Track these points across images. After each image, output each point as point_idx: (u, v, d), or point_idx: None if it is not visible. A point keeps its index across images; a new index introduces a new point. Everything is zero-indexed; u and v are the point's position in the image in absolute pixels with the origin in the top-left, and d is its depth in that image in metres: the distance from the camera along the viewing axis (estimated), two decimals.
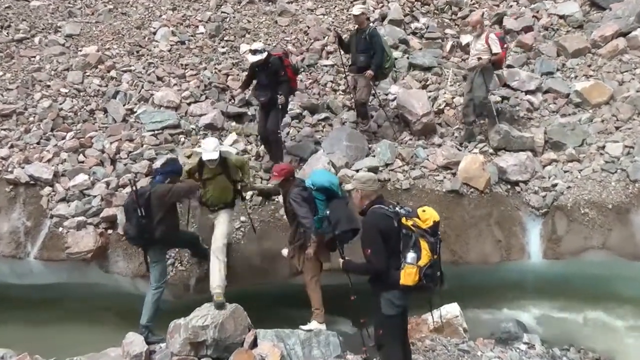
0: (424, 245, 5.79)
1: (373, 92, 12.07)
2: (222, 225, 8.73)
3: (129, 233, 8.42)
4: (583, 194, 10.43)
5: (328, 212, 7.64)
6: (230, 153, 9.16)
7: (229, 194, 8.88)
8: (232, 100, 12.24)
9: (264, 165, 10.80)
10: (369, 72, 11.16)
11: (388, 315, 6.04)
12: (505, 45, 11.60)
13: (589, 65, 13.39)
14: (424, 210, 5.97)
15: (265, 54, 10.35)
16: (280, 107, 10.53)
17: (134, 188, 8.23)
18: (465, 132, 11.70)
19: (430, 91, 12.94)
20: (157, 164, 10.25)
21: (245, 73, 11.60)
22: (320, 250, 7.92)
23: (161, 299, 8.35)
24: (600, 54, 13.57)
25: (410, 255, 5.75)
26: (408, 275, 5.73)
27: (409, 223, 5.84)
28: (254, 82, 10.80)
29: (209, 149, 8.51)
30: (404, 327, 6.41)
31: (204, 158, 8.48)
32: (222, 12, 15.43)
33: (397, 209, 5.97)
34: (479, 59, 11.23)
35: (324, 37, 14.45)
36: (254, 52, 10.39)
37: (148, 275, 8.69)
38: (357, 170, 10.54)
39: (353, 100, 12.03)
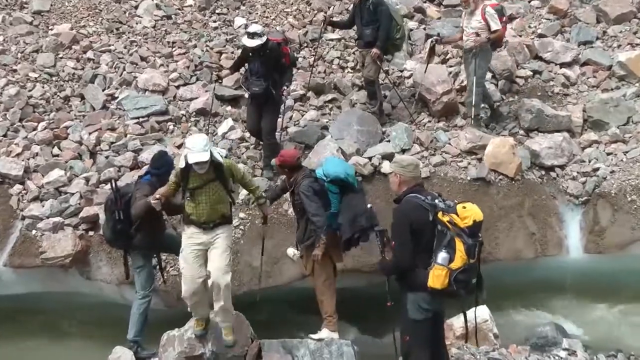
0: (459, 246, 5.68)
1: (386, 68, 12.04)
2: (222, 249, 7.26)
3: (106, 235, 8.42)
4: (630, 179, 10.46)
5: (369, 205, 7.67)
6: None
7: (226, 205, 7.44)
8: (220, 81, 12.09)
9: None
10: (374, 51, 11.13)
11: (415, 320, 6.03)
12: (504, 19, 11.34)
13: (635, 33, 13.40)
14: (464, 207, 5.84)
15: (264, 38, 10.24)
16: (276, 102, 10.51)
17: (113, 187, 8.07)
18: (493, 113, 11.69)
19: (451, 66, 12.92)
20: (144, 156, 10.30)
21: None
22: (333, 250, 7.92)
23: (149, 308, 8.30)
24: None
25: (442, 256, 5.68)
26: (437, 278, 5.67)
27: (445, 219, 5.75)
28: (244, 69, 10.77)
29: (197, 147, 6.97)
30: (436, 334, 6.32)
31: (190, 160, 6.94)
32: None
33: (436, 201, 5.89)
34: (477, 35, 10.93)
35: (329, 8, 14.42)
36: (252, 35, 10.22)
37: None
38: (370, 158, 10.59)
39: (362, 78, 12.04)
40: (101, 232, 9.64)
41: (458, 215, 5.77)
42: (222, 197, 7.33)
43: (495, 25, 10.84)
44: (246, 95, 11.55)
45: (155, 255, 8.58)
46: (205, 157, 6.92)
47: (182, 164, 7.11)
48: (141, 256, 8.24)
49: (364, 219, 7.51)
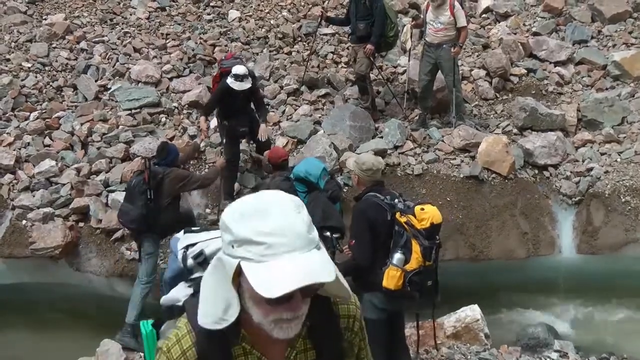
0: (415, 247, 5.61)
1: (380, 64, 11.89)
2: None
3: (129, 215, 8.34)
4: (624, 180, 10.33)
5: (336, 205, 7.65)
6: None
7: None
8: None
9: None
10: (369, 47, 10.94)
11: (370, 320, 5.92)
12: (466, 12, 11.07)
13: (630, 32, 13.25)
14: (422, 209, 5.73)
15: (250, 79, 9.59)
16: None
17: (148, 166, 8.25)
18: (420, 118, 11.47)
19: None
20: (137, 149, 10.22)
21: (235, 43, 11.36)
22: None
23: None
24: None
25: (397, 257, 5.62)
26: (391, 278, 5.61)
27: (403, 220, 5.67)
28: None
29: None
30: (395, 335, 6.27)
31: None
32: None
33: (395, 200, 5.82)
34: (446, 29, 10.66)
35: (323, 1, 14.32)
36: (241, 78, 9.43)
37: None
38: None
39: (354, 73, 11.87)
40: (92, 224, 9.69)
41: (415, 217, 5.68)
42: None
43: (463, 21, 10.70)
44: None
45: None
46: None
47: None
48: (152, 243, 8.39)
49: (317, 218, 7.40)
